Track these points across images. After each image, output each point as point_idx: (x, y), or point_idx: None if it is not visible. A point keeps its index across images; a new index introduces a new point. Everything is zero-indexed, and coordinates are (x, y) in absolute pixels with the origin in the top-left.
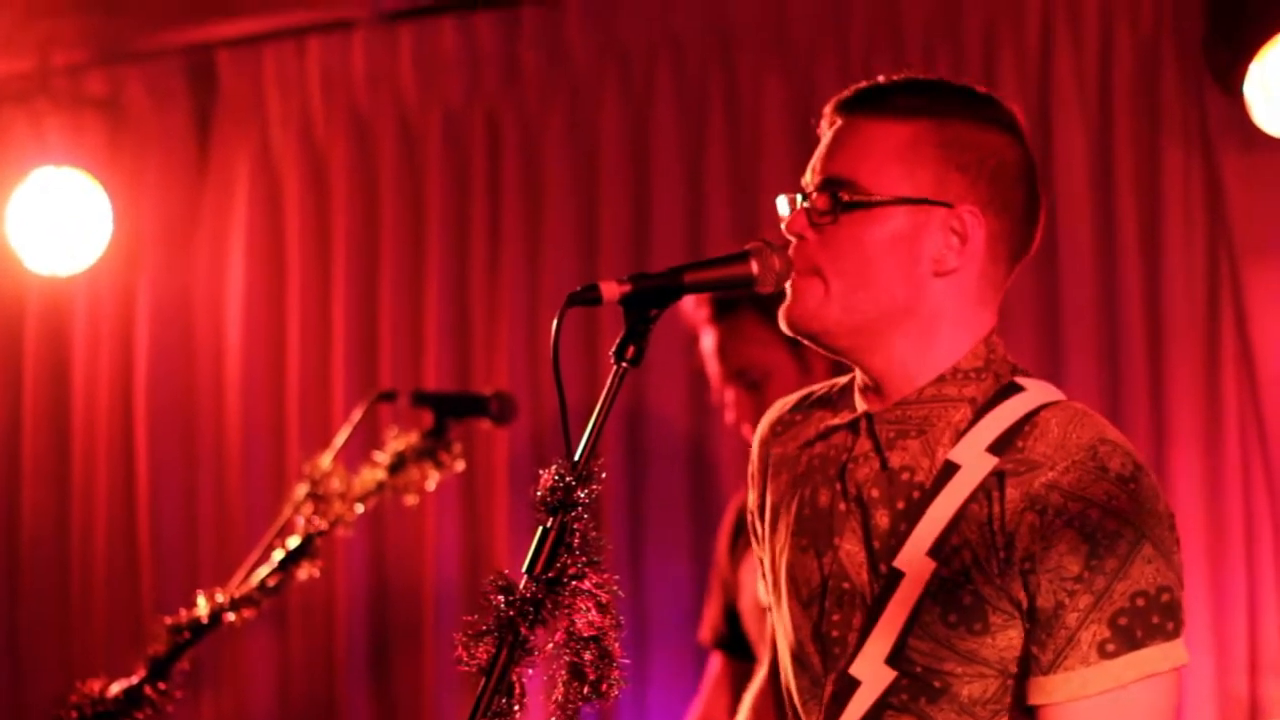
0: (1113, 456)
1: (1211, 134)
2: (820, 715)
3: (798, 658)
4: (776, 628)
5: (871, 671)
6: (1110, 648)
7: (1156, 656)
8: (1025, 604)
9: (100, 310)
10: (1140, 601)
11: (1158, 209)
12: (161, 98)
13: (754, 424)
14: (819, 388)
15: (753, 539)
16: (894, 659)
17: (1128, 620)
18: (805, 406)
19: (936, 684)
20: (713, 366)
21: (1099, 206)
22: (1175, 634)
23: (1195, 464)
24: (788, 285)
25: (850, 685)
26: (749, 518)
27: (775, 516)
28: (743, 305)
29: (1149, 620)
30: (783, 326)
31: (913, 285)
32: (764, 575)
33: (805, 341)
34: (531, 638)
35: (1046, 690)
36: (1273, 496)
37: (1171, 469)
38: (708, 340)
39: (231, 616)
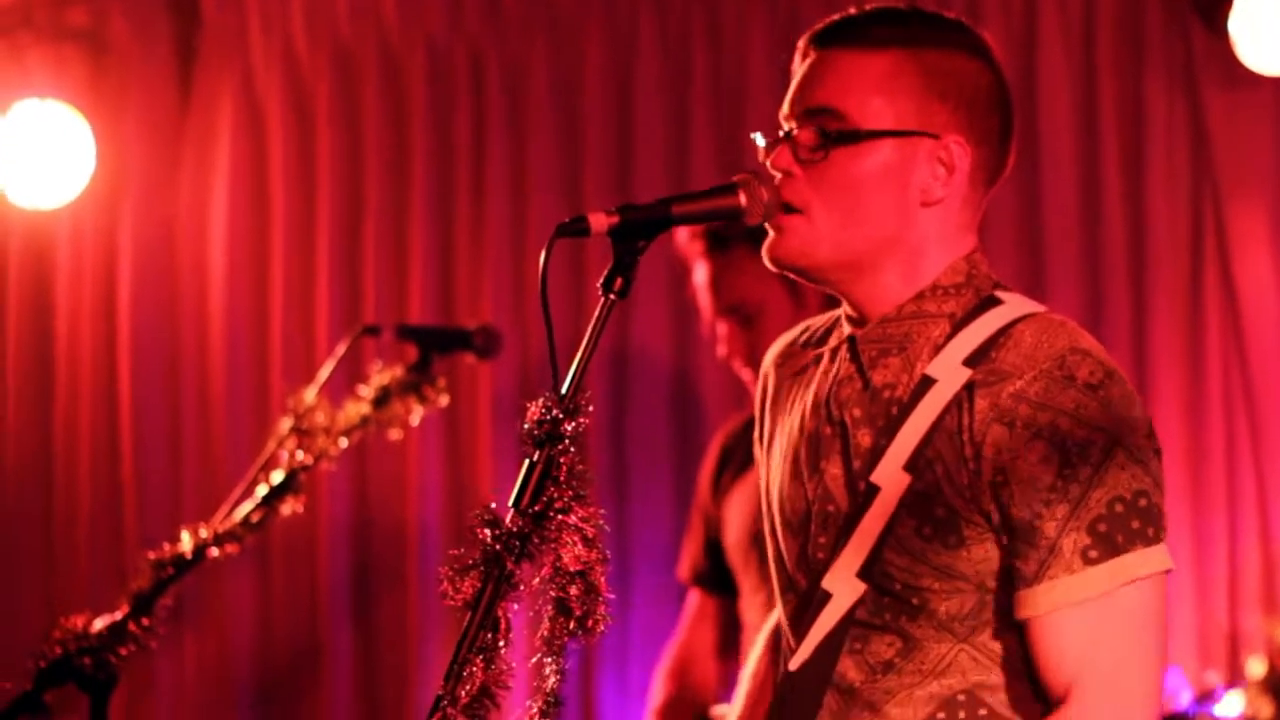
0: (1081, 365)
1: (1196, 70)
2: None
3: (789, 582)
4: (773, 562)
5: (843, 584)
6: (1093, 554)
7: (1139, 561)
8: (997, 517)
9: (83, 244)
10: (1119, 508)
11: (1142, 145)
12: (144, 30)
13: (745, 358)
14: (817, 321)
15: (760, 470)
16: (865, 572)
17: (1107, 526)
18: (804, 338)
19: (914, 600)
20: (705, 300)
21: (1083, 142)
22: (1157, 539)
23: (1177, 396)
24: (768, 223)
25: (822, 598)
26: (755, 449)
27: (773, 446)
28: (737, 239)
29: (1129, 525)
30: (767, 262)
31: (901, 216)
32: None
33: (791, 275)
34: (517, 572)
35: (1033, 602)
36: (1254, 430)
37: (1154, 400)
38: (701, 274)
39: (215, 551)
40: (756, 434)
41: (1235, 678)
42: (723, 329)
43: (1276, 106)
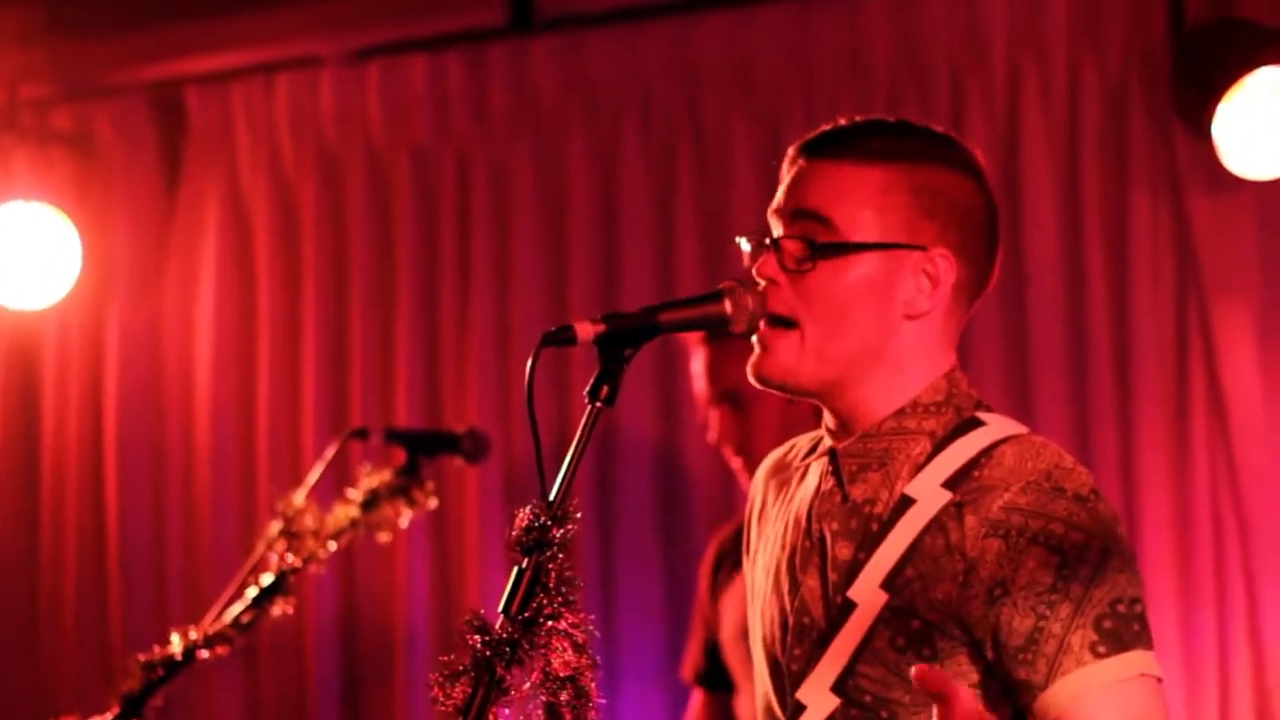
0: (1068, 479)
1: (1180, 175)
2: None
3: (766, 698)
4: (755, 673)
5: (816, 697)
6: (1101, 649)
7: (1146, 659)
8: (988, 631)
9: (69, 346)
10: (1120, 608)
11: (1126, 250)
12: (130, 133)
13: (736, 446)
14: (804, 439)
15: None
16: (839, 686)
17: (1112, 624)
18: (791, 456)
19: (884, 713)
20: (701, 387)
21: (1067, 248)
22: (1152, 646)
23: (1165, 507)
24: (754, 337)
25: (797, 710)
26: (744, 561)
27: (757, 562)
28: None
29: (1131, 628)
30: (751, 378)
31: (884, 329)
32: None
33: (773, 391)
34: (508, 677)
35: (1050, 704)
36: (1244, 539)
37: (1141, 512)
38: (698, 362)
39: (205, 653)
40: (744, 545)
41: None
42: (715, 416)
43: (1260, 211)
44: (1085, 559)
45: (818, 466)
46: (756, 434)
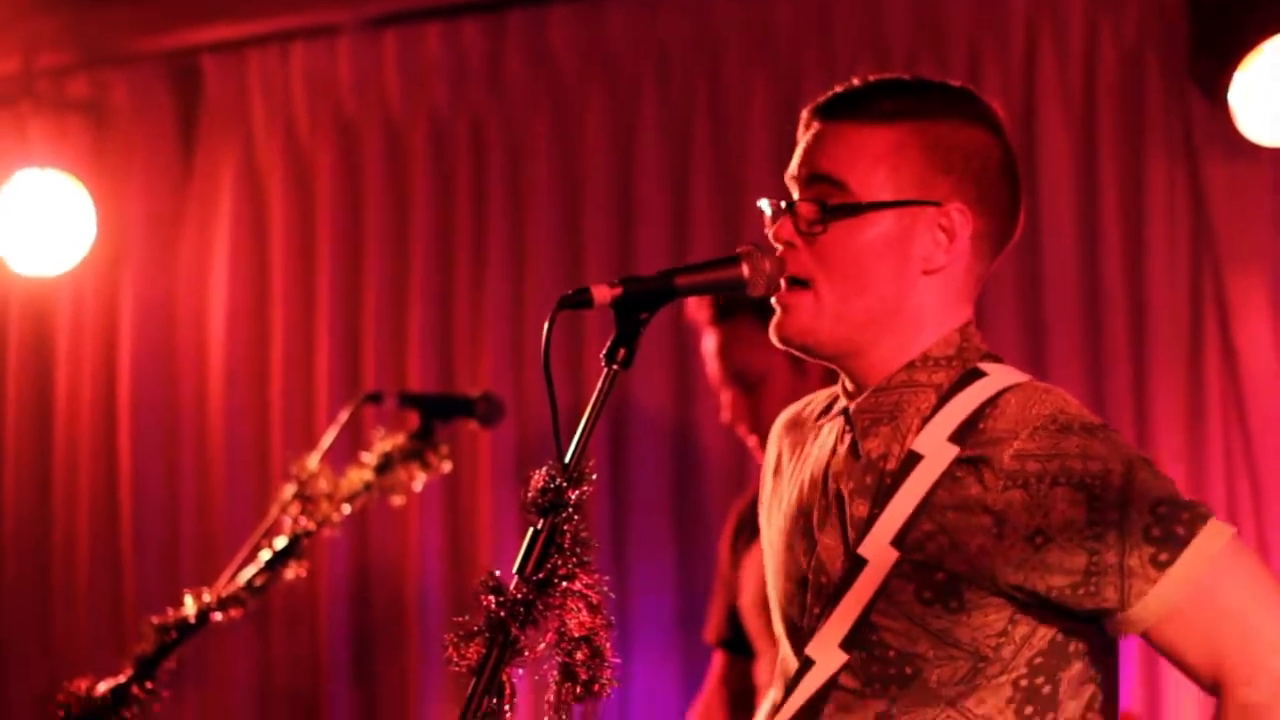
0: (1075, 418)
1: (1196, 142)
2: None
3: (786, 649)
4: (776, 627)
5: (825, 653)
6: (1163, 557)
7: (1206, 539)
8: (1041, 577)
9: (84, 312)
10: (1162, 509)
11: (1142, 217)
12: (146, 101)
13: (749, 425)
14: (819, 395)
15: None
16: (849, 642)
17: (1160, 529)
18: (807, 413)
19: (908, 669)
20: (713, 368)
21: (1083, 215)
22: (1209, 513)
23: (1180, 471)
24: (774, 299)
25: (806, 666)
26: (760, 518)
27: (771, 518)
28: (741, 309)
29: (1181, 517)
30: (774, 340)
31: (902, 285)
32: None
33: (795, 352)
34: (522, 638)
35: (1135, 620)
36: (1257, 498)
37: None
38: (709, 342)
39: (218, 616)
40: (759, 501)
41: None
42: (727, 396)
43: (1276, 177)
44: (1110, 483)
45: (833, 426)
46: (767, 413)
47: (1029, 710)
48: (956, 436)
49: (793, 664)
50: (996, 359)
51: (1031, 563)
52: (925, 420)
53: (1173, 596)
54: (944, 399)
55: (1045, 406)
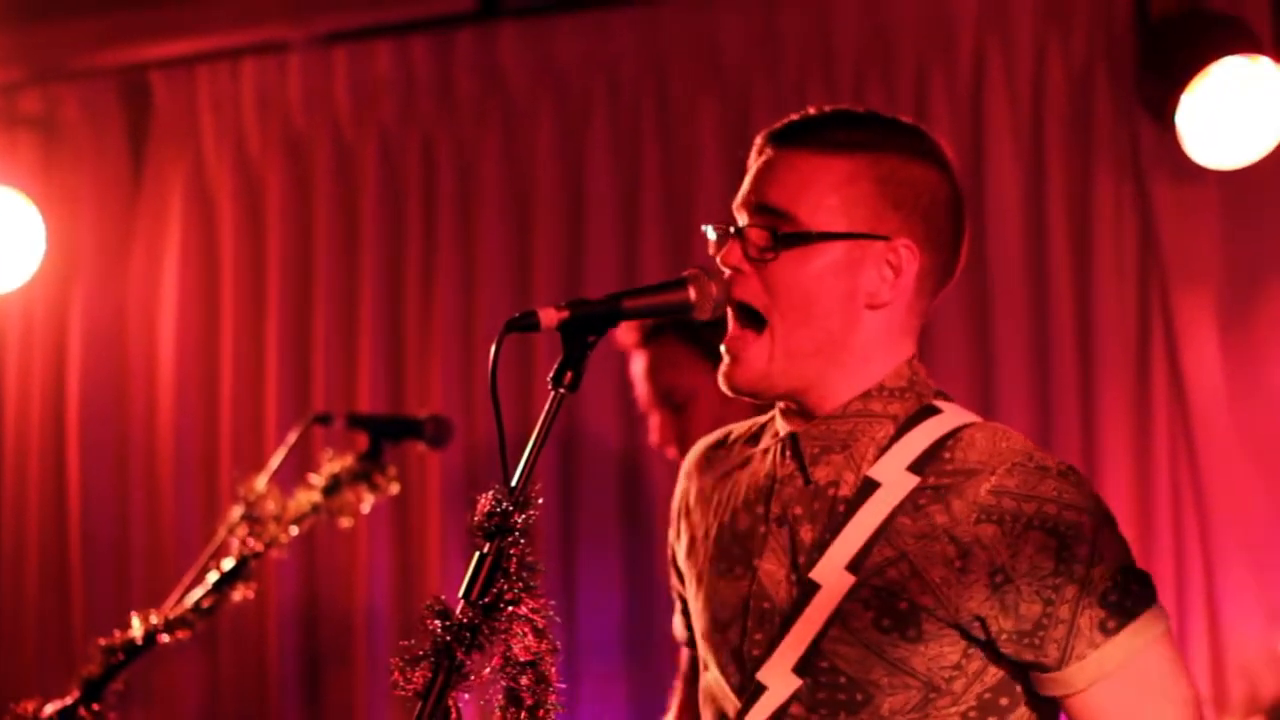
0: (1047, 457)
1: (1143, 163)
2: None
3: (713, 684)
4: (700, 657)
5: (778, 678)
6: (1110, 624)
7: (1151, 619)
8: (994, 616)
9: (33, 328)
10: (1120, 576)
11: (1089, 238)
12: (96, 117)
13: (677, 445)
14: (740, 426)
15: (672, 575)
16: (802, 667)
17: (1117, 596)
18: (728, 443)
19: (859, 696)
20: (641, 390)
21: (1031, 235)
22: (1155, 596)
23: (1126, 490)
24: (723, 345)
25: (757, 691)
26: (669, 552)
27: (694, 547)
28: (667, 330)
29: (1132, 590)
30: (724, 388)
31: (848, 319)
32: (679, 609)
33: (745, 398)
34: (468, 662)
35: (1066, 682)
36: (1202, 521)
37: (1102, 492)
38: (637, 365)
39: (165, 638)
40: (672, 538)
41: None
42: (655, 418)
43: (1222, 198)
44: (1082, 537)
45: (766, 453)
46: (695, 433)
47: None
48: (916, 466)
49: (725, 689)
50: (946, 396)
51: (990, 600)
52: (882, 450)
53: (1108, 665)
54: (902, 430)
55: (1015, 443)
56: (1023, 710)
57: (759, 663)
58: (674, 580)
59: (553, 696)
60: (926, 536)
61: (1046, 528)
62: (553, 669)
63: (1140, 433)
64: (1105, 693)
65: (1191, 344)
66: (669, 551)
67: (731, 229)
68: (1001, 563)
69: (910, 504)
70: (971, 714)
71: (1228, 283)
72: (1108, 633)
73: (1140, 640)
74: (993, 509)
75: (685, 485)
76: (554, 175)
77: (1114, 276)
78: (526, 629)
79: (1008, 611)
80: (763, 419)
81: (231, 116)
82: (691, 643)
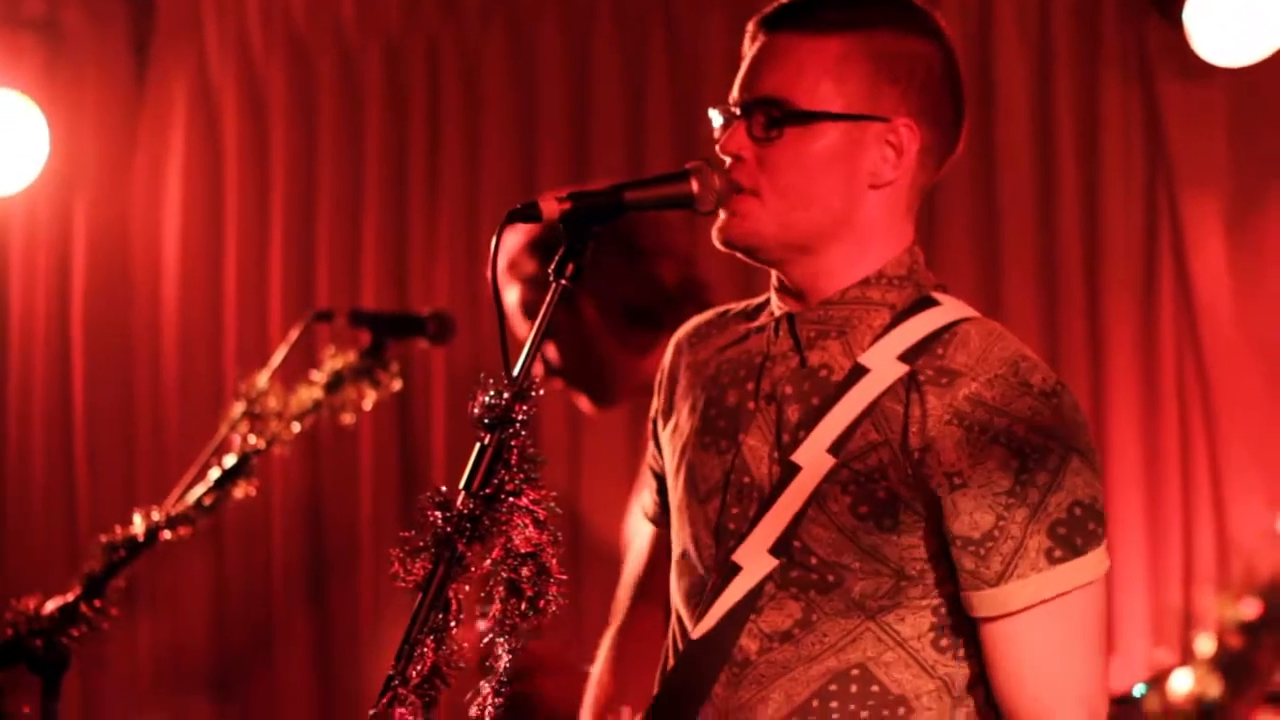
0: (1034, 372)
1: (1151, 62)
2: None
3: (685, 558)
4: (674, 531)
5: (753, 558)
6: (1057, 553)
7: (1094, 561)
8: (942, 513)
9: (37, 232)
10: (1078, 511)
11: (1097, 136)
12: (99, 20)
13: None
14: (735, 305)
15: (650, 446)
16: (778, 548)
17: (1067, 530)
18: (721, 319)
19: (830, 577)
20: (518, 324)
21: (1038, 134)
22: (1103, 538)
23: (1132, 389)
24: (720, 210)
25: (731, 571)
26: (649, 426)
27: (679, 419)
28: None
29: (1086, 528)
30: (716, 242)
31: (849, 199)
32: (653, 487)
33: (739, 255)
34: (468, 554)
35: (1000, 601)
36: (1208, 414)
37: (1109, 389)
38: (511, 295)
39: (168, 534)
40: (657, 407)
41: (1187, 657)
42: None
43: (1230, 98)
44: (1044, 464)
45: (761, 331)
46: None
47: (944, 643)
48: (907, 356)
49: (697, 565)
50: (945, 289)
51: (941, 500)
52: (877, 338)
53: (1047, 591)
54: (898, 318)
55: (1006, 350)
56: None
57: (736, 538)
58: (651, 452)
59: (554, 588)
60: (902, 425)
61: (1011, 446)
62: (554, 560)
63: (1147, 328)
64: (1034, 621)
65: (1199, 243)
66: (649, 424)
67: (736, 110)
68: (960, 467)
69: (892, 391)
70: (943, 610)
71: (1235, 180)
72: (1053, 561)
73: (1080, 579)
74: (965, 415)
75: (674, 358)
76: (559, 73)
77: (1121, 177)
78: (527, 520)
79: (960, 514)
80: (757, 300)
81: (235, 20)
82: (660, 520)
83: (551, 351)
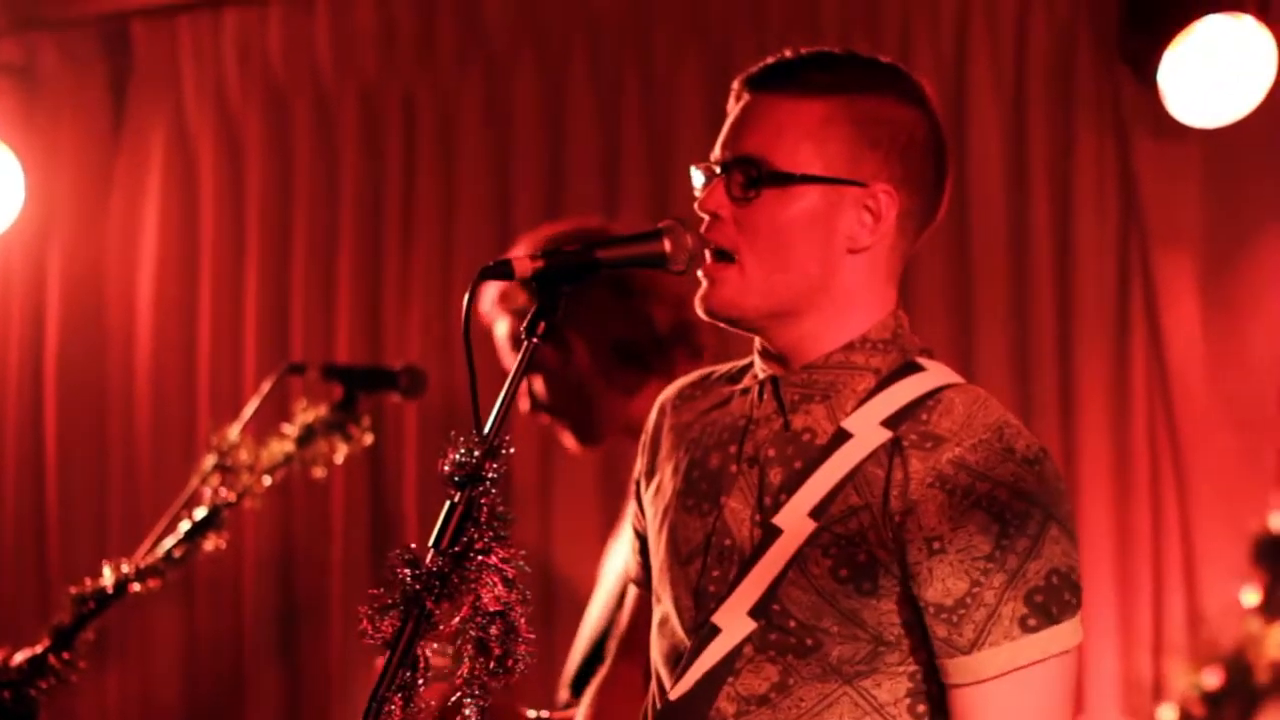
0: (1018, 438)
1: (1125, 121)
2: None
3: (666, 620)
4: (655, 593)
5: (732, 620)
6: (1032, 622)
7: (1069, 631)
8: (921, 582)
9: (11, 278)
10: (1055, 579)
11: (1070, 195)
12: (76, 65)
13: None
14: (720, 367)
15: (633, 506)
16: (757, 610)
17: (1044, 598)
18: (705, 382)
19: (809, 641)
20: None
21: (1013, 192)
22: (1079, 608)
23: (1103, 449)
24: (700, 272)
25: (711, 633)
26: (632, 487)
27: (662, 481)
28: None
29: (1062, 597)
30: (699, 312)
31: (827, 264)
32: (635, 547)
33: (721, 325)
34: (437, 612)
35: (973, 668)
36: (1179, 477)
37: (1080, 453)
38: (501, 327)
39: (137, 587)
40: (638, 471)
41: None
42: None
43: (1204, 156)
44: (1025, 530)
45: (745, 393)
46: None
47: (921, 709)
48: (891, 422)
49: (678, 628)
50: (929, 353)
51: (918, 565)
52: (861, 402)
53: (1021, 659)
54: (883, 383)
55: (990, 416)
56: None
57: (716, 600)
58: (634, 513)
59: (522, 647)
60: (883, 490)
61: (992, 511)
62: (523, 619)
63: (1118, 387)
64: (1006, 688)
65: (1171, 301)
66: (633, 485)
67: (717, 168)
68: (940, 532)
69: (875, 459)
70: (919, 676)
71: (1208, 240)
72: (1027, 630)
73: (1054, 648)
74: (948, 479)
75: (658, 419)
76: (535, 127)
77: (1095, 234)
78: (496, 579)
79: (935, 581)
80: (742, 362)
81: (212, 67)
82: (642, 581)
83: (539, 387)
